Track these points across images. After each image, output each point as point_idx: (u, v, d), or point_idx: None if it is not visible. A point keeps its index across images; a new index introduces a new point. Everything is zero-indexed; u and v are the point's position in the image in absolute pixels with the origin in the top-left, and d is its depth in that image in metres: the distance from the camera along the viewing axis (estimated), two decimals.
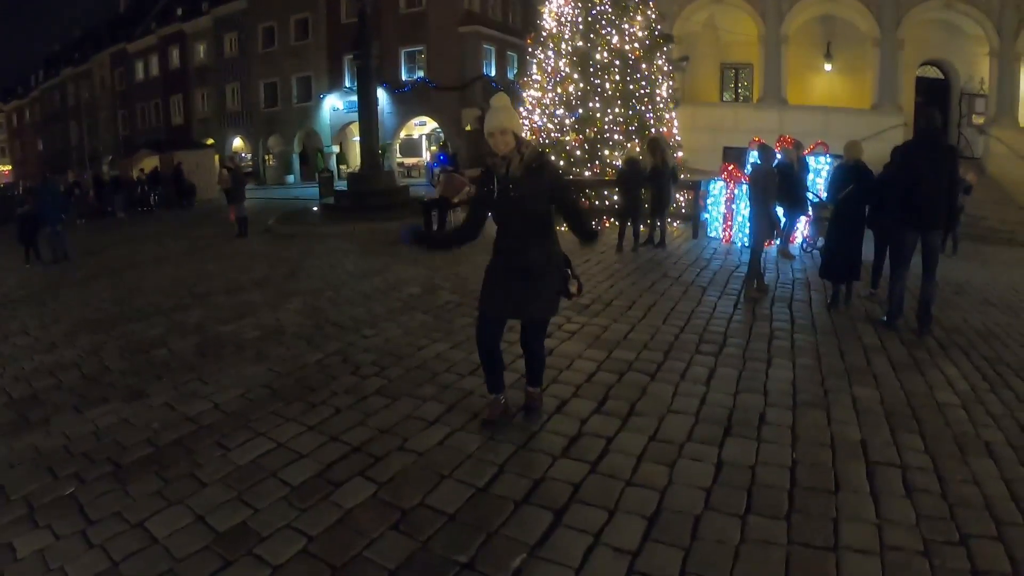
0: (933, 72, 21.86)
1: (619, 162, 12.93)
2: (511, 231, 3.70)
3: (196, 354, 5.85)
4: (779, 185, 7.66)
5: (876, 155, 8.01)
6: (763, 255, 7.71)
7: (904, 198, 6.02)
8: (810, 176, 10.64)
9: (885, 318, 6.42)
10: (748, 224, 7.79)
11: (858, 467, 3.55)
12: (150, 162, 31.93)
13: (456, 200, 12.61)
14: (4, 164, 69.45)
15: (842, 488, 3.33)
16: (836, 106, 20.52)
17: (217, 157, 33.78)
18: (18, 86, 68.19)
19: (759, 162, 7.60)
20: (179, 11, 43.30)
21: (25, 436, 4.31)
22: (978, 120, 19.96)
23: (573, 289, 3.89)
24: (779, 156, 9.14)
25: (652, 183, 10.55)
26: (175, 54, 43.68)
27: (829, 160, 11.70)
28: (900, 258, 6.26)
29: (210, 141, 39.63)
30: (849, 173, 6.79)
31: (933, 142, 6.10)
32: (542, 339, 4.03)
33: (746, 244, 10.68)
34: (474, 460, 3.59)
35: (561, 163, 13.82)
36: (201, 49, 42.07)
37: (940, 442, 3.88)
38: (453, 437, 3.88)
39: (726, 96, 23.66)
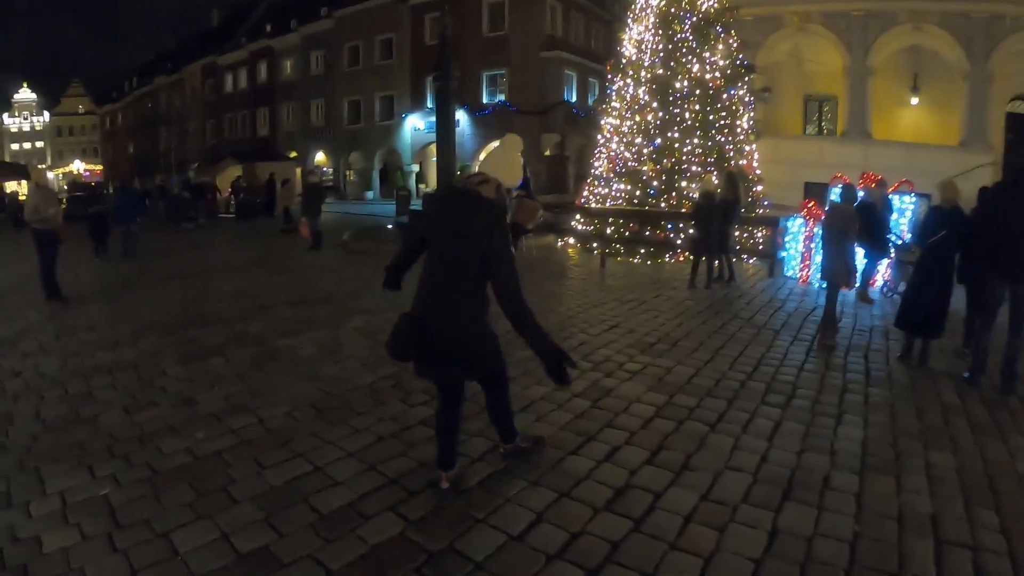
0: None
1: (696, 194, 12.62)
2: None
3: (251, 366, 5.90)
4: (861, 225, 7.23)
5: (964, 195, 7.50)
6: (840, 299, 7.30)
7: (991, 245, 5.58)
8: (893, 216, 10.09)
9: (967, 374, 5.92)
10: (822, 266, 7.35)
11: (925, 545, 3.21)
12: (234, 171, 33.20)
13: (530, 226, 12.50)
14: (97, 164, 73.72)
15: (905, 569, 3.01)
16: (922, 142, 19.61)
17: (300, 170, 34.89)
18: (113, 91, 72.58)
19: (839, 200, 7.19)
20: (268, 28, 45.35)
21: (73, 432, 4.43)
22: None
23: None
24: (861, 194, 8.69)
25: (722, 217, 10.22)
26: (263, 68, 45.69)
27: (914, 200, 11.10)
28: (986, 310, 5.78)
29: (293, 154, 41.13)
30: (943, 217, 6.29)
31: None
32: None
33: (823, 286, 10.21)
34: (512, 505, 3.42)
35: (637, 193, 13.60)
36: (288, 65, 43.84)
37: (1017, 520, 3.49)
38: (493, 478, 3.72)
39: (809, 129, 22.97)
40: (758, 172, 14.43)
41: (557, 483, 3.65)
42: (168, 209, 22.10)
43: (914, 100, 20.44)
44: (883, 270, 10.11)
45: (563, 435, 4.28)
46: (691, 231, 11.41)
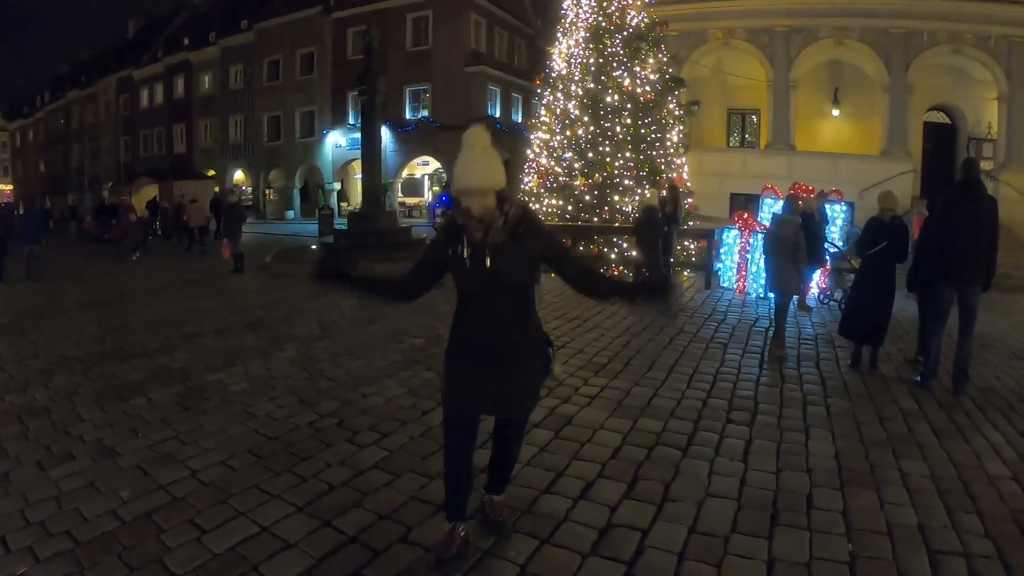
0: (940, 117, 21.78)
1: (629, 208, 12.57)
2: (484, 309, 2.87)
3: (177, 407, 5.34)
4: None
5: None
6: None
7: (942, 251, 5.69)
8: (826, 225, 10.31)
9: (919, 378, 6.04)
10: (768, 278, 7.34)
11: (920, 558, 3.15)
12: (151, 191, 31.66)
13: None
14: (6, 183, 69.23)
15: None
16: (845, 152, 20.35)
17: (217, 188, 33.46)
18: (24, 106, 68.14)
19: (786, 213, 7.18)
20: (186, 40, 43.61)
21: None
22: (986, 165, 19.74)
23: (557, 371, 3.22)
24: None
25: (666, 230, 10.22)
26: (180, 83, 43.81)
27: (844, 208, 11.40)
28: (937, 315, 5.92)
29: (211, 172, 39.54)
30: (883, 229, 6.37)
31: (975, 193, 5.74)
32: (522, 436, 3.37)
33: (761, 295, 10.29)
34: (490, 558, 3.08)
35: (569, 208, 13.46)
36: (206, 79, 42.18)
37: (999, 523, 3.51)
38: None
39: (732, 141, 23.52)
40: (689, 185, 14.57)
41: (536, 528, 3.35)
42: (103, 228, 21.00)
43: (835, 111, 21.11)
44: (818, 278, 10.30)
45: (532, 471, 3.97)
46: (634, 246, 11.35)
